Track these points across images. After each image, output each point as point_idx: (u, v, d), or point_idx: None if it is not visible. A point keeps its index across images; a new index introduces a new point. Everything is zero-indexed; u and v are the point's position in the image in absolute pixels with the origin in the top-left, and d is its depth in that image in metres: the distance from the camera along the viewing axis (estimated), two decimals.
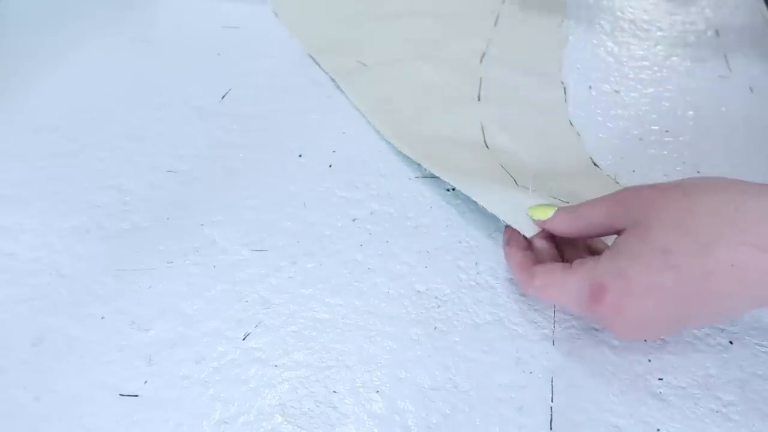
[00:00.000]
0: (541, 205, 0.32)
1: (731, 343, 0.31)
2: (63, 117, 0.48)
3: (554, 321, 0.32)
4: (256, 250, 0.38)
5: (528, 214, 0.33)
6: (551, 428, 0.29)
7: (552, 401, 0.29)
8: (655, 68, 0.47)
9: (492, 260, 0.36)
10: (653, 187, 0.29)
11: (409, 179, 0.42)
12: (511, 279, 0.35)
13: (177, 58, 0.54)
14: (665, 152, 0.42)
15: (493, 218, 0.37)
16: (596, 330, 0.32)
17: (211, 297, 0.35)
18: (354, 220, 0.39)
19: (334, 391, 0.30)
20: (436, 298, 0.34)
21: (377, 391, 0.30)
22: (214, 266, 0.37)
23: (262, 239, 0.38)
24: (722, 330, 0.32)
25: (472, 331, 0.32)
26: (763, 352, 0.31)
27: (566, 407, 0.29)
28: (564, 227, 0.31)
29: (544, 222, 0.32)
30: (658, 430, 0.28)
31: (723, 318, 0.30)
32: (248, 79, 0.51)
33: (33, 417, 0.30)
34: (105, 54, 0.55)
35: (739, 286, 0.25)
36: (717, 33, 0.51)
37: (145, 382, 0.31)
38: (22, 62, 0.54)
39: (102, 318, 0.34)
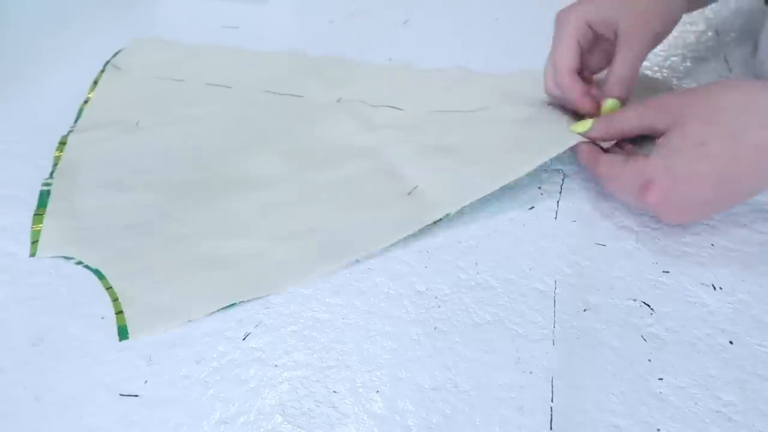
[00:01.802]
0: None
1: (731, 343, 0.31)
2: (63, 117, 0.48)
3: (554, 321, 0.32)
4: None
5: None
6: (551, 428, 0.28)
7: (552, 401, 0.29)
8: (655, 68, 0.47)
9: (492, 260, 0.36)
10: (685, 92, 0.34)
11: None
12: (511, 279, 0.35)
13: None
14: None
15: (492, 218, 0.38)
16: (596, 330, 0.32)
17: None
18: None
19: (334, 391, 0.30)
20: (436, 298, 0.34)
21: (377, 391, 0.30)
22: None
23: None
24: (722, 330, 0.32)
25: (472, 331, 0.32)
26: (763, 352, 0.31)
27: (566, 407, 0.29)
28: (600, 134, 0.37)
29: (585, 133, 0.37)
30: (658, 430, 0.28)
31: (750, 195, 0.34)
32: None
33: (33, 417, 0.30)
34: (105, 54, 0.55)
35: (762, 164, 0.31)
36: (717, 33, 0.51)
37: (145, 382, 0.31)
38: (22, 62, 0.54)
39: (102, 318, 0.34)
